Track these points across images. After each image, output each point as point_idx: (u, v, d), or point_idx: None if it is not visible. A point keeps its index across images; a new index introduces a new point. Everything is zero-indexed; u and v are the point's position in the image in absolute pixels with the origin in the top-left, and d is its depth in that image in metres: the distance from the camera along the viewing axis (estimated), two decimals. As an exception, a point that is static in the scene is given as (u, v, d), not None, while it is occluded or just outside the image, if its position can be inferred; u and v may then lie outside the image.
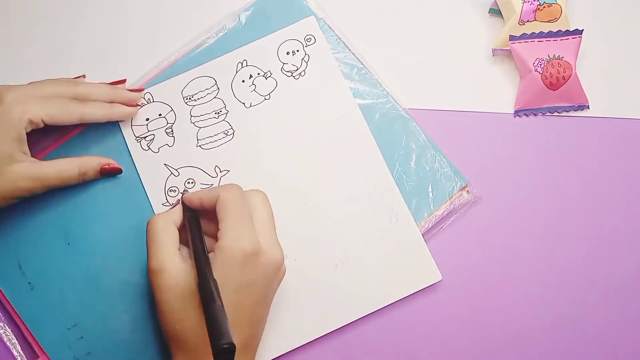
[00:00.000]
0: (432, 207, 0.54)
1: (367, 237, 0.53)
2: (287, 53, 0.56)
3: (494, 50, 0.58)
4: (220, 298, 0.39)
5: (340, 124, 0.55)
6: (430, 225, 0.53)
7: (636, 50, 0.59)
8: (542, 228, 0.55)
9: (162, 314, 0.44)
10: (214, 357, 0.36)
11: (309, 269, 0.52)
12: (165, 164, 0.54)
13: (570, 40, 0.56)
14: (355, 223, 0.53)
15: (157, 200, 0.53)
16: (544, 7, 0.56)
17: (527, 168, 0.56)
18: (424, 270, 0.52)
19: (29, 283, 0.51)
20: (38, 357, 0.50)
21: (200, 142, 0.54)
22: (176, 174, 0.54)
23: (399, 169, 0.54)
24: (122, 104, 0.53)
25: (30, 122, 0.48)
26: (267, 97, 0.56)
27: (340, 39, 0.57)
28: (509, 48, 0.57)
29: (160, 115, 0.55)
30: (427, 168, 0.54)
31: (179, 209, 0.48)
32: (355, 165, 0.54)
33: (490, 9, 0.59)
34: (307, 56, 0.56)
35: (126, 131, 0.54)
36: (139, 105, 0.54)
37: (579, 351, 0.52)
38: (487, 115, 0.57)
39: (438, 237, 0.54)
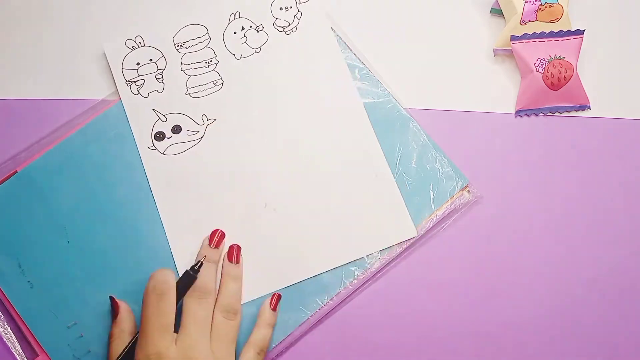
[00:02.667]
0: (433, 207, 0.54)
1: (348, 190, 0.53)
2: (280, 9, 0.57)
3: (495, 50, 0.58)
4: None
5: (327, 80, 0.56)
6: (431, 225, 0.53)
7: (637, 51, 0.59)
8: (542, 228, 0.54)
9: None
10: None
11: (289, 217, 0.53)
12: (153, 109, 0.55)
13: (572, 41, 0.56)
14: (337, 178, 0.54)
15: (144, 144, 0.54)
16: (546, 7, 0.56)
17: (528, 168, 0.56)
18: (400, 225, 0.53)
19: (29, 282, 0.51)
20: (37, 355, 0.50)
21: (190, 90, 0.55)
22: (164, 119, 0.55)
23: (400, 169, 0.54)
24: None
25: None
26: (257, 50, 0.57)
27: (341, 39, 0.57)
28: (510, 48, 0.57)
29: (151, 60, 0.56)
30: (428, 168, 0.54)
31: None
32: (341, 121, 0.55)
33: (491, 9, 0.59)
34: (299, 13, 0.57)
35: (117, 74, 0.55)
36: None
37: (579, 350, 0.52)
38: (488, 115, 0.57)
39: (439, 236, 0.54)
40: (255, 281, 0.51)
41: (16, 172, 0.53)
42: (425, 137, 0.55)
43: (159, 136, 0.54)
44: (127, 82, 0.55)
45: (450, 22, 0.60)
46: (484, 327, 0.52)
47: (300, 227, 0.52)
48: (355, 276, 0.52)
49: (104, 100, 0.56)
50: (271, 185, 0.53)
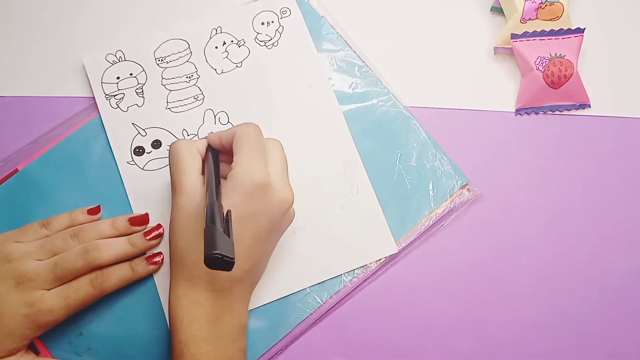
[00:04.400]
0: (432, 205, 0.54)
1: (327, 206, 0.53)
2: (262, 23, 0.57)
3: (495, 49, 0.58)
4: (223, 218, 0.40)
5: (308, 95, 0.56)
6: (430, 223, 0.53)
7: (638, 49, 0.59)
8: (542, 226, 0.54)
9: (170, 231, 0.47)
10: (206, 260, 0.37)
11: None
12: (133, 123, 0.54)
13: (572, 39, 0.56)
14: (317, 192, 0.53)
15: (123, 159, 0.53)
16: (546, 5, 0.56)
17: (528, 166, 0.56)
18: (380, 242, 0.52)
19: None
20: (39, 352, 0.50)
21: (170, 105, 0.55)
22: (143, 133, 0.54)
23: (400, 167, 0.54)
24: (139, 251, 0.50)
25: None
26: (239, 65, 0.56)
27: (341, 36, 0.57)
28: (510, 46, 0.57)
29: (131, 74, 0.56)
30: (427, 166, 0.54)
31: (202, 141, 0.49)
32: (321, 136, 0.55)
33: (492, 7, 0.59)
34: (281, 27, 0.57)
35: (96, 88, 0.55)
36: (160, 263, 0.50)
37: (579, 349, 0.52)
38: (488, 113, 0.57)
39: (439, 235, 0.54)
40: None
41: (17, 170, 0.53)
42: (425, 135, 0.55)
43: (139, 151, 0.54)
44: (107, 96, 0.55)
45: (451, 21, 0.60)
46: (483, 325, 0.52)
47: (279, 244, 0.51)
48: (355, 274, 0.52)
49: (104, 99, 0.56)
50: None
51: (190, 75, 0.56)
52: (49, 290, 0.46)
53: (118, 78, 0.55)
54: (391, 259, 0.53)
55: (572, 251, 0.54)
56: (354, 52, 0.57)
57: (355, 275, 0.52)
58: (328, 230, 0.52)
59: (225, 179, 0.46)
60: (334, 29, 0.58)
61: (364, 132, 0.55)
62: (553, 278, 0.53)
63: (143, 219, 0.50)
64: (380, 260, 0.52)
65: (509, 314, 0.52)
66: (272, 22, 0.57)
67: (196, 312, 0.44)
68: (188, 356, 0.43)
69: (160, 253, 0.50)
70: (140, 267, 0.49)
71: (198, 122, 0.55)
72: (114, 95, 0.55)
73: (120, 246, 0.48)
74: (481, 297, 0.53)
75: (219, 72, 0.56)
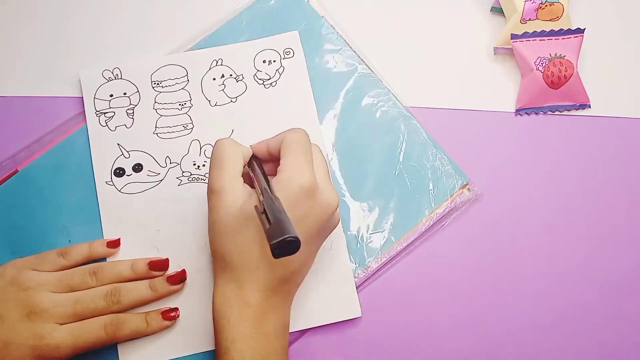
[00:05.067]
0: (433, 205, 0.54)
1: None
2: (264, 61, 0.56)
3: (495, 49, 0.58)
4: (281, 207, 0.41)
5: None
6: (431, 223, 0.53)
7: (638, 49, 0.59)
8: (542, 226, 0.54)
9: (213, 234, 0.46)
10: (275, 248, 0.38)
11: None
12: (118, 144, 0.54)
13: (572, 39, 0.56)
14: None
15: (102, 178, 0.53)
16: (546, 5, 0.56)
17: (528, 166, 0.56)
18: (345, 303, 0.51)
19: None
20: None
21: (158, 130, 0.54)
22: (127, 155, 0.54)
23: (400, 167, 0.54)
24: (161, 296, 0.50)
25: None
26: (233, 100, 0.56)
27: (341, 36, 0.57)
28: (510, 47, 0.57)
29: (125, 94, 0.55)
30: (428, 166, 0.54)
31: (247, 147, 0.49)
32: None
33: (492, 7, 0.59)
34: (282, 68, 0.56)
35: (88, 103, 0.55)
36: (176, 318, 0.50)
37: (579, 349, 0.52)
38: (488, 113, 0.57)
39: (439, 234, 0.54)
40: (195, 336, 0.50)
41: (17, 171, 0.53)
42: (425, 135, 0.55)
43: (119, 172, 0.53)
44: (97, 113, 0.54)
45: (451, 21, 0.60)
46: (483, 325, 0.52)
47: None
48: (356, 274, 0.52)
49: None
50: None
51: (183, 103, 0.55)
52: (61, 325, 0.46)
53: (111, 96, 0.55)
54: (391, 258, 0.53)
55: (572, 251, 0.54)
56: (354, 52, 0.57)
57: (355, 275, 0.52)
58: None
59: None
60: (334, 29, 0.58)
61: (364, 131, 0.55)
62: (553, 278, 0.53)
63: (163, 264, 0.50)
64: (380, 260, 0.52)
65: (509, 313, 0.52)
66: (274, 61, 0.57)
67: (244, 311, 0.44)
68: (235, 353, 0.43)
69: (176, 308, 0.50)
70: (155, 321, 0.49)
71: (183, 151, 0.54)
72: (105, 113, 0.54)
73: (141, 291, 0.49)
74: (481, 297, 0.53)
75: (213, 104, 0.55)
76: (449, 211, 0.54)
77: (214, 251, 0.46)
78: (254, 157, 0.49)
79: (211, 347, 0.50)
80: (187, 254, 0.51)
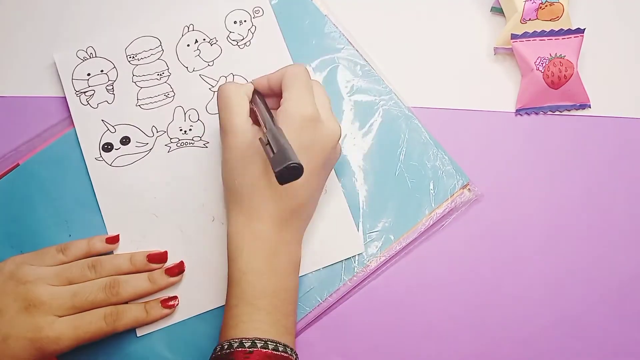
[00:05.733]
0: (433, 205, 0.54)
1: None
2: (235, 22, 0.57)
3: (495, 49, 0.58)
4: (286, 140, 0.42)
5: None
6: (431, 223, 0.53)
7: (638, 49, 0.59)
8: (543, 226, 0.54)
9: (225, 171, 0.48)
10: (279, 175, 0.40)
11: None
12: (102, 120, 0.54)
13: (572, 39, 0.56)
14: None
15: (91, 155, 0.53)
16: (546, 5, 0.56)
17: (529, 167, 0.56)
18: (348, 241, 0.52)
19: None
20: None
21: (140, 102, 0.55)
22: (112, 130, 0.54)
23: (401, 166, 0.54)
24: (160, 289, 0.50)
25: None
26: (210, 64, 0.56)
27: (344, 35, 0.58)
28: (510, 47, 0.57)
29: (102, 71, 0.55)
30: (428, 166, 0.54)
31: (248, 85, 0.50)
32: None
33: (492, 7, 0.59)
34: (253, 27, 0.57)
35: (66, 84, 0.55)
36: (175, 306, 0.50)
37: (579, 350, 0.52)
38: (488, 113, 0.57)
39: (439, 234, 0.54)
40: (203, 295, 0.50)
41: (18, 164, 0.53)
42: (426, 135, 0.55)
43: (107, 147, 0.53)
44: (77, 93, 0.55)
45: (451, 21, 0.60)
46: (483, 325, 0.52)
47: None
48: (355, 273, 0.52)
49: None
50: (219, 199, 0.53)
51: (161, 72, 0.56)
52: (60, 317, 0.46)
53: (89, 75, 0.55)
54: (391, 257, 0.53)
55: (572, 251, 0.54)
56: (357, 50, 0.57)
57: (355, 273, 0.52)
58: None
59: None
60: (337, 27, 0.58)
61: (364, 130, 0.55)
62: (553, 278, 0.53)
63: (161, 257, 0.51)
64: (379, 259, 0.52)
65: (509, 314, 0.52)
66: (245, 21, 0.57)
67: (256, 244, 0.45)
68: (245, 284, 0.45)
69: (175, 297, 0.50)
70: (155, 310, 0.49)
71: (168, 119, 0.55)
72: (84, 92, 0.55)
73: (140, 283, 0.49)
74: (481, 297, 0.53)
75: (190, 70, 0.56)
76: (449, 211, 0.54)
77: (226, 187, 0.48)
78: (256, 92, 0.50)
79: (220, 304, 0.50)
80: (186, 216, 0.52)
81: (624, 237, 0.54)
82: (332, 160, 0.49)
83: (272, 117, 0.46)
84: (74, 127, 0.54)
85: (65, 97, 0.56)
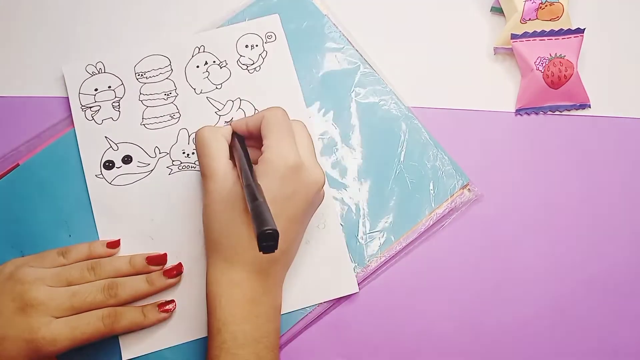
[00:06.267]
0: (433, 205, 0.54)
1: None
2: (246, 46, 0.57)
3: (495, 49, 0.58)
4: (263, 197, 0.40)
5: None
6: (431, 223, 0.53)
7: (638, 49, 0.59)
8: (543, 226, 0.54)
9: (205, 216, 0.47)
10: (258, 242, 0.37)
11: None
12: (106, 137, 0.54)
13: (572, 39, 0.56)
14: None
15: (91, 172, 0.53)
16: (546, 5, 0.56)
17: (529, 167, 0.56)
18: (342, 280, 0.51)
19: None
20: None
21: (145, 121, 0.54)
22: (115, 147, 0.54)
23: (401, 166, 0.54)
24: (158, 290, 0.50)
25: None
26: (218, 87, 0.56)
27: (344, 35, 0.58)
28: (510, 47, 0.57)
29: (109, 87, 0.55)
30: (428, 166, 0.54)
31: (227, 127, 0.49)
32: None
33: (492, 7, 0.60)
34: (265, 52, 0.56)
35: (73, 98, 0.55)
36: (172, 310, 0.50)
37: (579, 350, 0.52)
38: (488, 113, 0.57)
39: (439, 235, 0.54)
40: (199, 322, 0.50)
41: (18, 164, 0.53)
42: (426, 134, 0.55)
43: (108, 165, 0.53)
44: (82, 107, 0.54)
45: (451, 21, 0.60)
46: (483, 325, 0.52)
47: None
48: (355, 273, 0.52)
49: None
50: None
51: (168, 92, 0.55)
52: (57, 318, 0.45)
53: (96, 90, 0.55)
54: (391, 257, 0.53)
55: (572, 251, 0.54)
56: (356, 50, 0.57)
57: (355, 274, 0.52)
58: (292, 265, 0.51)
59: (255, 163, 0.46)
60: (337, 27, 0.58)
61: (365, 130, 0.55)
62: (553, 278, 0.53)
63: (161, 259, 0.50)
64: (380, 259, 0.52)
65: (509, 313, 0.52)
66: (256, 45, 0.57)
67: (235, 292, 0.45)
68: (226, 334, 0.44)
69: (172, 301, 0.50)
70: (152, 313, 0.49)
71: (171, 140, 0.54)
72: (90, 107, 0.54)
73: (138, 285, 0.49)
74: (481, 297, 0.53)
75: (198, 92, 0.55)
76: (449, 211, 0.54)
77: (206, 233, 0.47)
78: (236, 135, 0.49)
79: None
80: (182, 241, 0.52)
81: (623, 237, 0.54)
82: (315, 205, 0.48)
83: (250, 164, 0.45)
84: (73, 127, 0.54)
85: (65, 97, 0.55)
